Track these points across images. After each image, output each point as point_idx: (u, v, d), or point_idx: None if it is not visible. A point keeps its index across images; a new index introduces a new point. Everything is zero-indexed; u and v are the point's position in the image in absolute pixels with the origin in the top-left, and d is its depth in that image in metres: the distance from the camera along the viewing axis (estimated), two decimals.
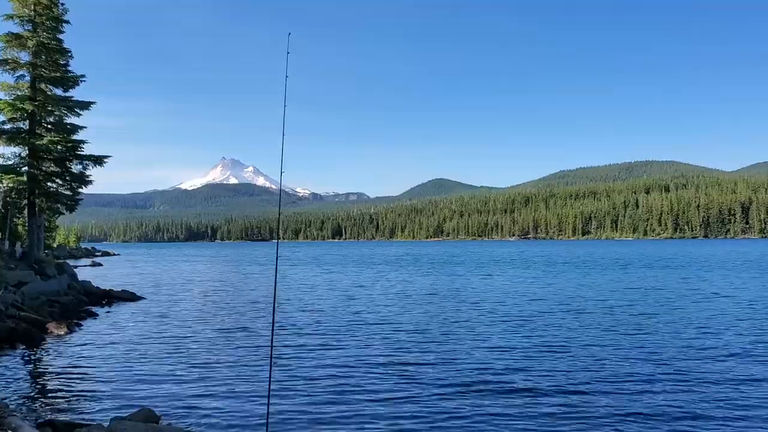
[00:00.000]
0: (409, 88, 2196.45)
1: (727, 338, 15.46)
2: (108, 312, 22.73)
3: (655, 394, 10.29)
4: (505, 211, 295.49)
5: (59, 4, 30.06)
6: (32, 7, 29.16)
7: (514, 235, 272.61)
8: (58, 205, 32.22)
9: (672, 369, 12.06)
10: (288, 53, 6.73)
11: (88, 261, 73.78)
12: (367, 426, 8.79)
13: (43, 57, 29.68)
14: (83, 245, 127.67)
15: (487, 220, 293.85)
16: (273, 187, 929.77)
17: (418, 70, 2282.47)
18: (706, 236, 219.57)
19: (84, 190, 32.50)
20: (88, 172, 31.45)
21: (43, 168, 30.37)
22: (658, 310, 21.42)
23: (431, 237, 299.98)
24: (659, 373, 11.69)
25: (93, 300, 25.43)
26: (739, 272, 40.64)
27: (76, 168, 31.21)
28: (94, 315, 21.57)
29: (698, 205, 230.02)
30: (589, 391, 10.48)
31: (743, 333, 16.21)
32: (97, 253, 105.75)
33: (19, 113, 28.90)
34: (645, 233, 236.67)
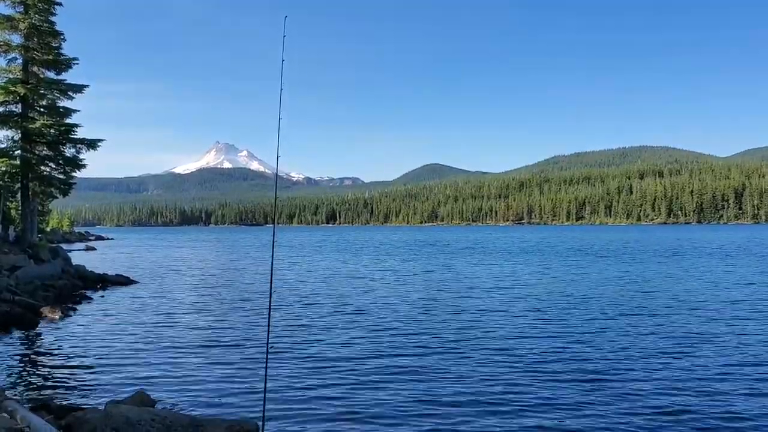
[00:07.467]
0: (404, 74, 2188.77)
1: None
2: (102, 296, 22.70)
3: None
4: (500, 197, 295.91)
5: None
6: None
7: (508, 220, 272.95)
8: (52, 189, 32.09)
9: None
10: (284, 37, 6.67)
11: (81, 245, 73.51)
12: (364, 414, 8.81)
13: (36, 39, 29.40)
14: (77, 229, 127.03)
15: (481, 205, 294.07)
16: (267, 171, 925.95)
17: (415, 55, 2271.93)
18: (699, 222, 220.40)
19: (77, 174, 32.37)
20: (81, 156, 31.32)
21: (36, 152, 30.19)
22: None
23: (425, 222, 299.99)
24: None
25: (87, 284, 25.38)
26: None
27: (69, 152, 31.06)
28: (88, 299, 21.55)
29: (692, 191, 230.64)
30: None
31: None
32: (91, 237, 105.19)
33: (12, 96, 28.66)
34: (638, 218, 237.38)
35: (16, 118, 29.15)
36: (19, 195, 32.38)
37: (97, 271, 28.40)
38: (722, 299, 20.12)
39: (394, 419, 8.46)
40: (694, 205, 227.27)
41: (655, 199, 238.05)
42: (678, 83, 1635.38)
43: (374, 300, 21.01)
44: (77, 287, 24.07)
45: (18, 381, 10.65)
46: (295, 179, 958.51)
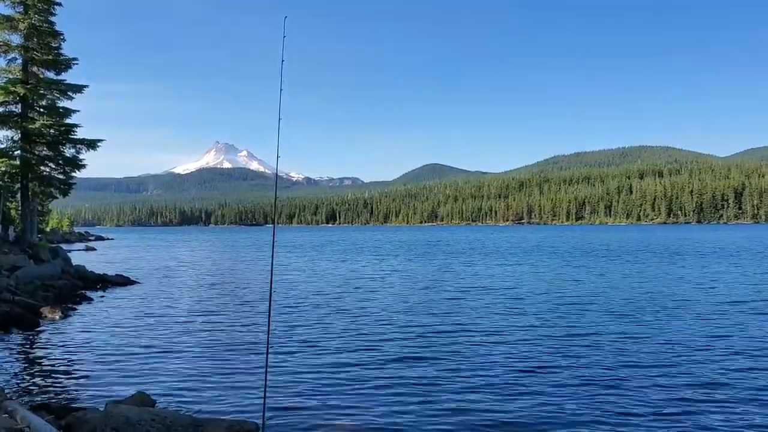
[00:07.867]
0: (404, 74, 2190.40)
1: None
2: (102, 297, 22.70)
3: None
4: (500, 196, 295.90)
5: None
6: None
7: (508, 220, 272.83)
8: (52, 189, 32.05)
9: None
10: (284, 37, 6.68)
11: (81, 245, 73.45)
12: (364, 415, 8.80)
13: (35, 39, 29.35)
14: (76, 229, 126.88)
15: (481, 205, 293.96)
16: (267, 171, 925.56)
17: (415, 55, 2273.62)
18: (699, 221, 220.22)
19: (77, 174, 32.33)
20: (81, 156, 31.28)
21: (36, 152, 30.15)
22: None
23: (425, 222, 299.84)
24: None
25: (87, 284, 25.35)
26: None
27: (69, 152, 31.02)
28: (88, 299, 21.53)
29: (692, 191, 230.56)
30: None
31: None
32: (91, 238, 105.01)
33: (11, 96, 28.60)
34: (638, 218, 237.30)
35: (15, 118, 29.10)
36: (19, 195, 32.34)
37: (97, 272, 28.39)
38: (725, 300, 20.07)
39: (394, 420, 8.45)
40: (694, 205, 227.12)
41: (654, 199, 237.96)
42: (678, 83, 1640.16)
43: (375, 301, 21.00)
44: (77, 287, 24.05)
45: (18, 381, 10.65)
46: (294, 179, 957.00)
